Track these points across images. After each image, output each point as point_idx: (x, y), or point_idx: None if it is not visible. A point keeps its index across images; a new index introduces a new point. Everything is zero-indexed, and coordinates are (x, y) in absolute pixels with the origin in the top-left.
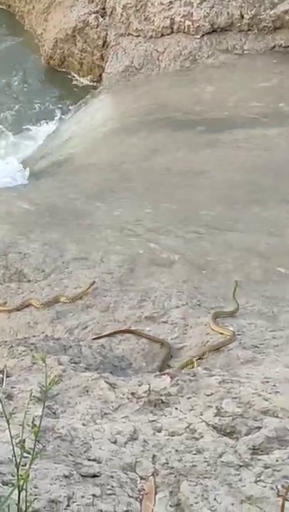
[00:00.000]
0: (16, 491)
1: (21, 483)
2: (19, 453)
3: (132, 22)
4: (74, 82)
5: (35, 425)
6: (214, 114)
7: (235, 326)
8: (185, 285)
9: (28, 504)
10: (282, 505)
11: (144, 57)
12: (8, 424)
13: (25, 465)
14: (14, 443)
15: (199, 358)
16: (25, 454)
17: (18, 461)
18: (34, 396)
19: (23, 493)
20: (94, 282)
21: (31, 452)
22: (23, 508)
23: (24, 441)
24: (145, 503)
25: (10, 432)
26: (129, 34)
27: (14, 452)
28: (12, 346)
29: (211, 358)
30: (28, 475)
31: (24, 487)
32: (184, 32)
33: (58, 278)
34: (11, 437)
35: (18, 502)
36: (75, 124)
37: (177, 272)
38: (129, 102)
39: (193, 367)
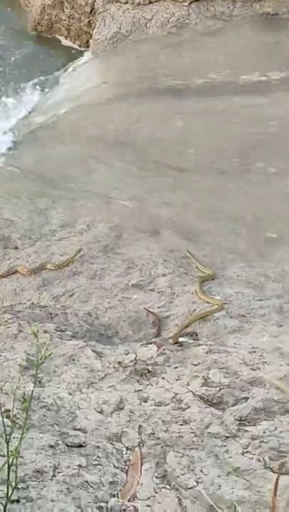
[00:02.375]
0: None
1: (11, 459)
2: (3, 421)
3: None
4: (61, 48)
5: (25, 400)
6: (201, 81)
7: (222, 295)
8: (172, 254)
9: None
10: (276, 482)
11: (132, 24)
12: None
13: (10, 434)
14: (1, 413)
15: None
16: (10, 423)
17: (8, 435)
18: (20, 365)
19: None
20: (80, 250)
21: (22, 425)
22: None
23: (9, 411)
24: (131, 474)
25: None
26: (117, 1)
27: (4, 423)
28: None
29: (199, 327)
30: (19, 451)
31: (14, 462)
32: None
33: (45, 245)
34: (0, 407)
35: (8, 478)
36: (62, 90)
37: (164, 240)
38: (116, 68)
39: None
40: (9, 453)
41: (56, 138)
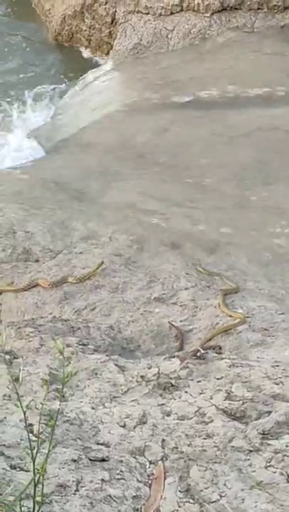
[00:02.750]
0: (28, 476)
1: (37, 477)
2: (30, 438)
3: None
4: (81, 59)
5: (51, 418)
6: (224, 93)
7: (244, 309)
8: (194, 267)
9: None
10: None
11: (153, 34)
12: (24, 411)
13: (34, 449)
14: (23, 427)
15: None
16: (33, 438)
17: (33, 449)
18: (43, 379)
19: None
20: (102, 263)
21: (48, 441)
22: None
23: (32, 425)
24: (154, 488)
25: (26, 419)
26: (139, 12)
27: (30, 441)
28: (20, 327)
29: (221, 340)
30: (45, 468)
31: (40, 480)
32: (193, 10)
33: (66, 258)
34: (26, 423)
35: (34, 495)
36: (83, 101)
37: (186, 252)
38: (137, 79)
39: None
40: (35, 470)
41: (77, 149)
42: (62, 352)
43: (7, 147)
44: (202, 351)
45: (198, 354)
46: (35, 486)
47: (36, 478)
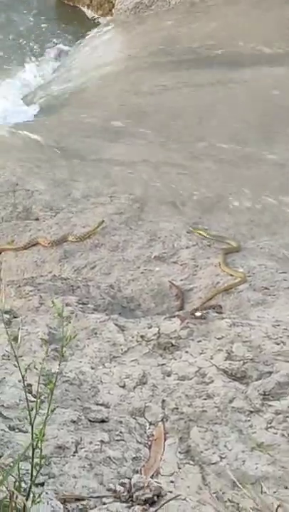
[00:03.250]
0: (27, 438)
1: (36, 442)
2: (28, 399)
3: None
4: (83, 18)
5: (50, 382)
6: (225, 50)
7: (245, 268)
8: (195, 226)
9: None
10: None
11: None
12: (23, 375)
13: (32, 409)
14: (22, 387)
15: None
16: (33, 399)
17: (31, 410)
18: (42, 339)
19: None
20: (103, 221)
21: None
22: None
23: (31, 385)
24: (154, 450)
25: (24, 379)
26: None
27: (28, 402)
28: (19, 286)
29: (222, 299)
30: (44, 434)
31: (39, 445)
32: None
33: (66, 216)
34: (25, 383)
35: (32, 460)
36: (84, 60)
37: (187, 211)
38: (138, 38)
39: None
40: (33, 434)
41: (78, 107)
42: (61, 315)
43: (9, 104)
44: (199, 313)
45: (196, 314)
46: (34, 450)
47: (34, 443)
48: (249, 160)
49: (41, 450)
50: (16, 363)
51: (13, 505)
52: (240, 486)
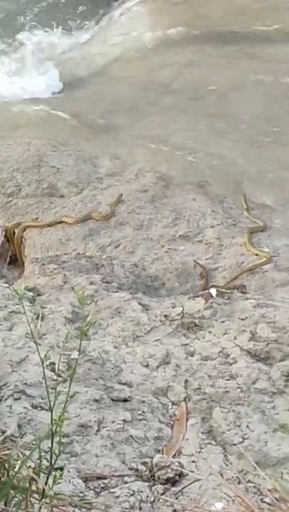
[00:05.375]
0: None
1: (55, 427)
2: (50, 377)
3: None
4: None
5: (70, 367)
6: (254, 28)
7: (270, 248)
8: (220, 204)
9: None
10: None
11: None
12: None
13: (54, 388)
14: (45, 366)
15: None
16: (55, 377)
17: (54, 396)
18: (66, 318)
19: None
20: (121, 195)
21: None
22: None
23: (54, 364)
24: (176, 429)
25: (44, 360)
26: None
27: (46, 382)
28: (43, 264)
29: (246, 279)
30: (63, 420)
31: (57, 430)
32: None
33: (92, 194)
34: (43, 363)
35: (52, 446)
36: (111, 34)
37: (213, 190)
38: (164, 14)
39: None
40: (53, 421)
41: (104, 83)
42: (83, 302)
43: (34, 80)
44: (213, 293)
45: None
46: (53, 436)
47: (54, 429)
48: (276, 138)
49: (60, 436)
50: (38, 341)
51: (34, 488)
52: (258, 469)
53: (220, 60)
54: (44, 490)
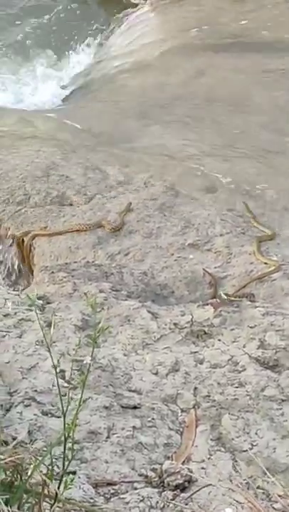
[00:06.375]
0: (60, 423)
1: (67, 432)
2: (60, 384)
3: None
4: (120, 1)
5: (82, 373)
6: (266, 38)
7: (279, 256)
8: (229, 213)
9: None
10: None
11: None
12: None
13: (65, 395)
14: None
15: None
16: (65, 384)
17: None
18: (76, 326)
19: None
20: (130, 204)
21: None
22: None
23: (64, 371)
24: (186, 436)
25: (56, 366)
26: None
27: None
28: (53, 272)
29: (255, 288)
30: (76, 425)
31: (70, 435)
32: None
33: (101, 202)
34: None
35: (64, 451)
36: (120, 43)
37: (222, 198)
38: (175, 21)
39: None
40: (66, 426)
41: (113, 92)
42: (94, 307)
43: (45, 89)
44: (218, 300)
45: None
46: (66, 441)
47: (67, 434)
48: (287, 149)
49: (73, 442)
50: (49, 348)
51: (46, 493)
52: (269, 474)
53: (230, 69)
54: (57, 494)
